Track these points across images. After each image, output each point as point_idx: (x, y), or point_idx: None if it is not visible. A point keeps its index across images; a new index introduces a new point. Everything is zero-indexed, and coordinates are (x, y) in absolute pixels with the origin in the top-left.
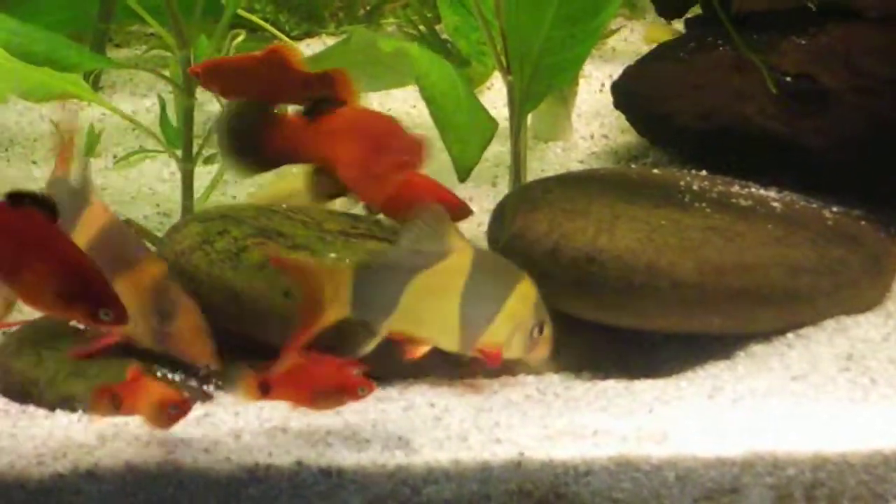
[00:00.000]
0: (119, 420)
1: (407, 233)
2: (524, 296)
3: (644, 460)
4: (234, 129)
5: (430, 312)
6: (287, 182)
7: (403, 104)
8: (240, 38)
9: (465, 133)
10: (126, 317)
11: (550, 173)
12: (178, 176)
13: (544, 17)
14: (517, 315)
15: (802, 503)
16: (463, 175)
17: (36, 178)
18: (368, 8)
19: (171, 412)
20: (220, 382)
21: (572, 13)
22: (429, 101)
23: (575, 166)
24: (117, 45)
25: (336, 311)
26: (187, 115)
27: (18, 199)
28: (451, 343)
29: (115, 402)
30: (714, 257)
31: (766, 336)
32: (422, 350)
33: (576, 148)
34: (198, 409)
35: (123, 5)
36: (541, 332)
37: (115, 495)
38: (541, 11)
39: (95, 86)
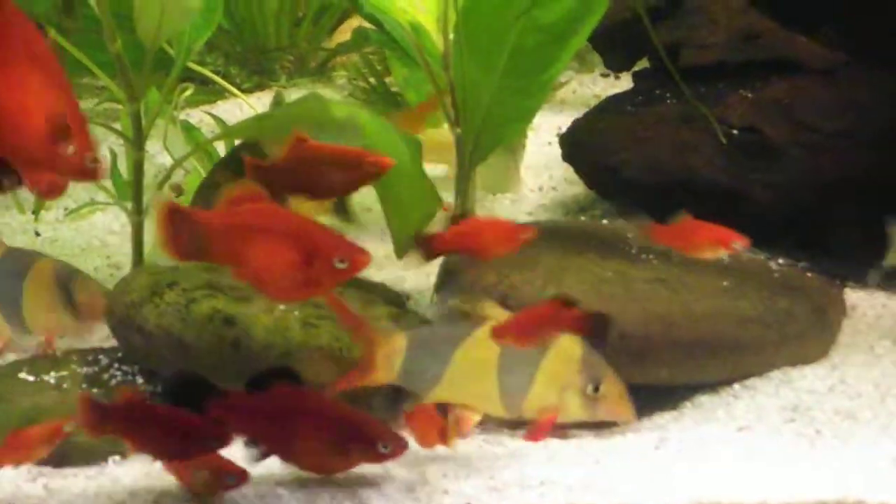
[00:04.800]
0: (67, 471)
1: (443, 304)
2: (564, 356)
3: None
4: None
5: (471, 381)
6: None
7: None
8: (188, 92)
9: (406, 208)
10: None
11: None
12: (129, 228)
13: (494, 70)
14: (557, 377)
15: None
16: (401, 252)
17: None
18: (319, 61)
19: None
20: None
21: (522, 66)
22: None
23: (523, 218)
24: None
25: (384, 375)
26: (137, 168)
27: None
28: (496, 409)
29: None
30: (661, 308)
31: (712, 387)
32: (471, 423)
33: (524, 200)
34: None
35: (74, 58)
36: (596, 390)
37: None
38: (490, 64)
39: None
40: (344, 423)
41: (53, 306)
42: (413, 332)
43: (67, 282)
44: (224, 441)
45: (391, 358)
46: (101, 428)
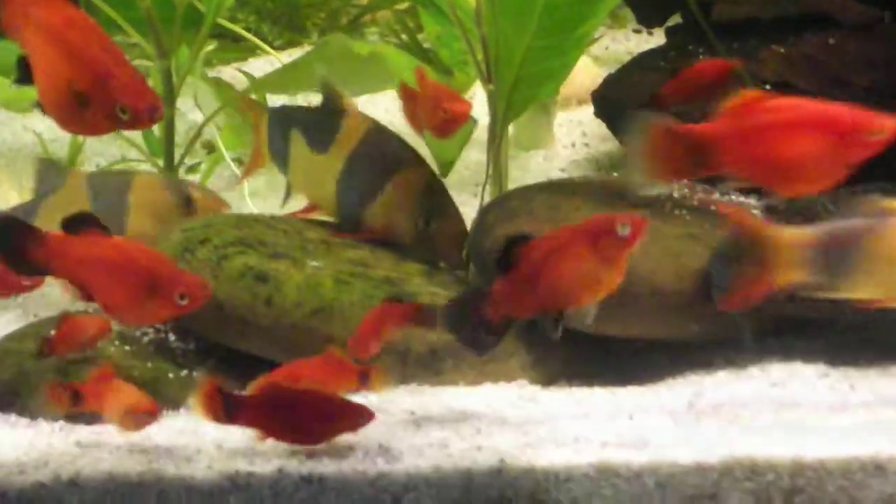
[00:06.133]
0: (100, 428)
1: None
2: None
3: (624, 466)
4: None
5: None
6: None
7: (385, 114)
8: (210, 48)
9: None
10: None
11: (531, 181)
12: None
13: (527, 27)
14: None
15: None
16: (444, 170)
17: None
18: (351, 18)
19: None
20: None
21: (556, 23)
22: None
23: (556, 174)
24: None
25: (794, 274)
26: (169, 125)
27: None
28: None
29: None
30: (694, 264)
31: (745, 342)
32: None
33: (557, 156)
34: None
35: (105, 16)
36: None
37: None
38: (523, 21)
39: None
40: None
41: (167, 214)
42: (818, 227)
43: (179, 188)
44: (365, 418)
45: (804, 252)
46: (231, 420)
